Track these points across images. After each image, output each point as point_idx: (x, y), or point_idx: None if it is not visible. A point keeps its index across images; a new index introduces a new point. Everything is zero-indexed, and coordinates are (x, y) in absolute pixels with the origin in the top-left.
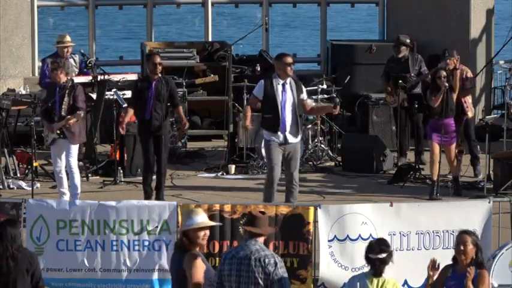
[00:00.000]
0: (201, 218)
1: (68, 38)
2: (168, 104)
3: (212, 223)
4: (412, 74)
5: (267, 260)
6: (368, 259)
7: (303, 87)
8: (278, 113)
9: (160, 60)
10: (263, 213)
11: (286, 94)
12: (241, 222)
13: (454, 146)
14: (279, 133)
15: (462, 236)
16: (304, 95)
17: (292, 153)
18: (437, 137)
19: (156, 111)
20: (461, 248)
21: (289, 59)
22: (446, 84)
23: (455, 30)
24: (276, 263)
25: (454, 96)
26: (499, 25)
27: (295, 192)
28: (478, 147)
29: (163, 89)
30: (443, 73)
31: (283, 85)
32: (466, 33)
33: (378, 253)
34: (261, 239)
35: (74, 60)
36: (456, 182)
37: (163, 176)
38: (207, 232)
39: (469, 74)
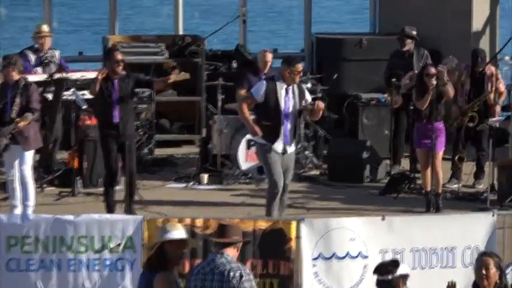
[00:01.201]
0: (180, 233)
1: (45, 28)
2: (134, 106)
3: (190, 239)
4: (416, 71)
5: (231, 274)
6: (377, 281)
7: (306, 90)
8: (280, 122)
9: (122, 56)
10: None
11: (289, 101)
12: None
13: (441, 153)
14: (279, 143)
15: (484, 258)
16: (308, 98)
17: (288, 164)
18: (426, 144)
19: (123, 114)
20: (484, 272)
21: (300, 67)
22: (434, 82)
23: (455, 22)
24: (241, 276)
25: (449, 88)
26: (505, 16)
27: (285, 205)
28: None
29: (128, 87)
30: (433, 70)
31: (287, 90)
32: (468, 26)
33: (384, 274)
34: (232, 252)
35: (52, 56)
36: (436, 199)
37: (131, 186)
38: (184, 250)
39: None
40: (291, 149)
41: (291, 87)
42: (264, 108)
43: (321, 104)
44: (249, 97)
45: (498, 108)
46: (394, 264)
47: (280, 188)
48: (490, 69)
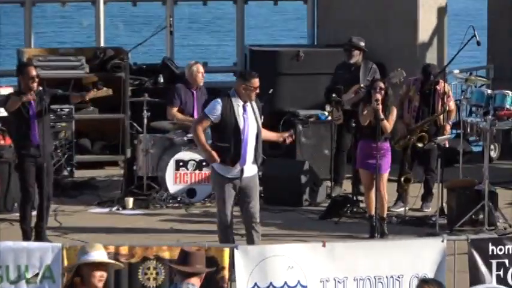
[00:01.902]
0: (100, 254)
1: None
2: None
3: (113, 262)
4: (362, 85)
5: None
6: None
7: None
8: (239, 143)
9: (37, 71)
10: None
11: (248, 119)
12: (152, 265)
13: (386, 174)
14: (237, 166)
15: (423, 286)
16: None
17: (249, 187)
18: (370, 164)
19: (42, 133)
20: None
21: (257, 82)
22: (379, 98)
23: (400, 32)
24: None
25: (387, 124)
26: (454, 26)
27: (257, 235)
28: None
29: (45, 104)
30: (381, 84)
31: (244, 108)
32: (413, 36)
33: None
34: (196, 282)
35: None
36: (381, 223)
37: (47, 211)
38: (105, 274)
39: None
40: (252, 171)
41: (248, 104)
42: (221, 129)
43: (289, 140)
44: (203, 118)
45: (448, 127)
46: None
47: (228, 219)
48: (441, 85)
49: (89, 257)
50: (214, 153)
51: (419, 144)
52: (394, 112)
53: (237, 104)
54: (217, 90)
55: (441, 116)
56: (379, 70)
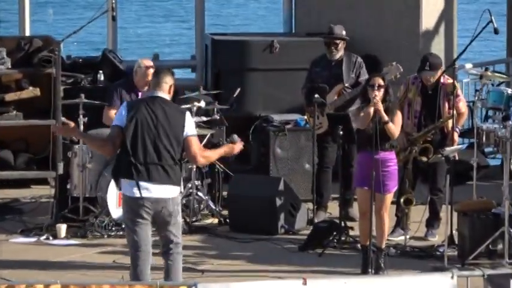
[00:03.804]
0: None
1: None
2: None
3: None
4: (347, 84)
5: None
6: None
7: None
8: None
9: None
10: None
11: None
12: None
13: (390, 195)
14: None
15: None
16: None
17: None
18: (367, 180)
19: None
20: None
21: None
22: (377, 95)
23: (399, 19)
24: None
25: (393, 127)
26: (464, 10)
27: (177, 265)
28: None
29: None
30: (379, 81)
31: None
32: (415, 23)
33: None
34: None
35: None
36: (378, 255)
37: None
38: None
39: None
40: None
41: None
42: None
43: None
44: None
45: (455, 135)
46: None
47: (141, 257)
48: (447, 82)
49: None
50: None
51: (423, 158)
52: (399, 116)
53: None
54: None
55: (449, 122)
56: (370, 65)
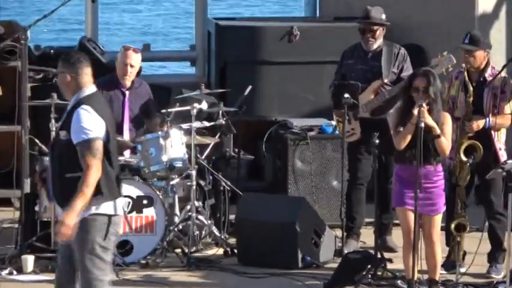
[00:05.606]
0: None
1: None
2: None
3: None
4: (386, 80)
5: None
6: None
7: None
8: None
9: None
10: None
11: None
12: None
13: (439, 217)
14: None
15: None
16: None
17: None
18: (411, 199)
19: None
20: None
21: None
22: (424, 104)
23: (448, 2)
24: None
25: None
26: None
27: None
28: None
29: None
30: (424, 82)
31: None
32: (470, 6)
33: None
34: None
35: None
36: None
37: None
38: None
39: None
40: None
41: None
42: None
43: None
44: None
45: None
46: None
47: None
48: (495, 73)
49: None
50: None
51: (464, 158)
52: (448, 120)
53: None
54: (167, 88)
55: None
56: (415, 56)
